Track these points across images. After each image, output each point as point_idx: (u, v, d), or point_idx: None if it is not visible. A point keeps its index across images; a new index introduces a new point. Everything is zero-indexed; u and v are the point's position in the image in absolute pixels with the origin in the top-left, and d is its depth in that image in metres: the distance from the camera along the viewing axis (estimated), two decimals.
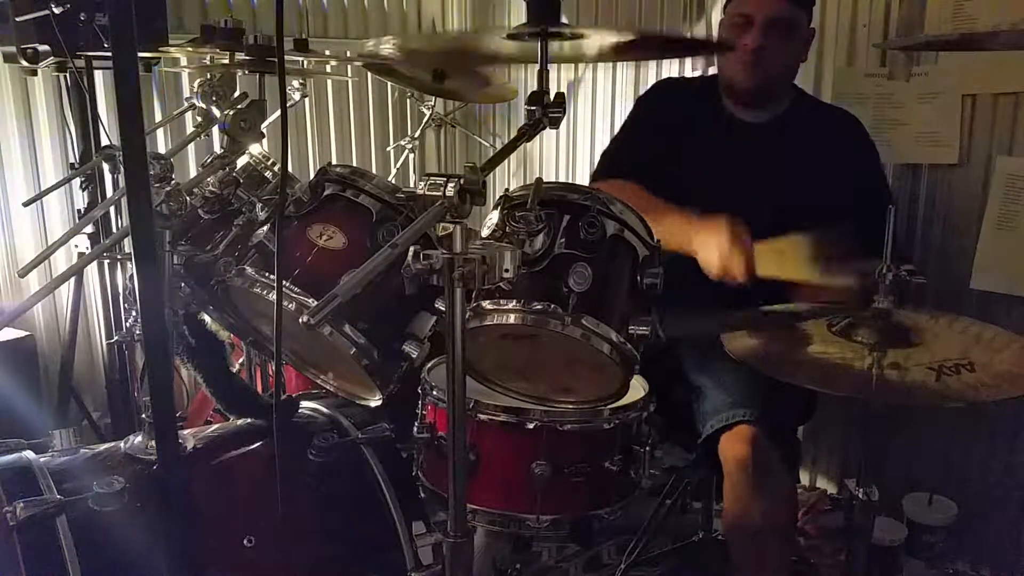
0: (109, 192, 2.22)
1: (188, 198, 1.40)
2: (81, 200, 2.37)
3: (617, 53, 1.65)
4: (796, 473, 1.93)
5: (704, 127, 2.07)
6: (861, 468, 1.54)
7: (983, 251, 2.24)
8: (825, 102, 2.35)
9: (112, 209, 2.14)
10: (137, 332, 1.52)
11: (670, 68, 2.85)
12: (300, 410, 1.59)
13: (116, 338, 2.22)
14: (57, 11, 2.04)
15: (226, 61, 1.81)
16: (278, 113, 1.11)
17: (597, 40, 1.40)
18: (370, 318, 1.34)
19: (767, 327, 1.58)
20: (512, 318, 1.27)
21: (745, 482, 1.73)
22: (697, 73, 2.70)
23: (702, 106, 2.09)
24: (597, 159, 3.06)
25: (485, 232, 1.32)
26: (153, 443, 1.36)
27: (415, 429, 1.61)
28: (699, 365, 1.92)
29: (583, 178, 3.24)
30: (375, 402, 1.52)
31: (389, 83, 3.34)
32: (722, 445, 1.75)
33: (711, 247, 1.71)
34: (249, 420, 1.56)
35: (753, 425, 1.72)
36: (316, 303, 1.01)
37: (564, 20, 1.22)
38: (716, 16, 2.61)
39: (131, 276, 1.90)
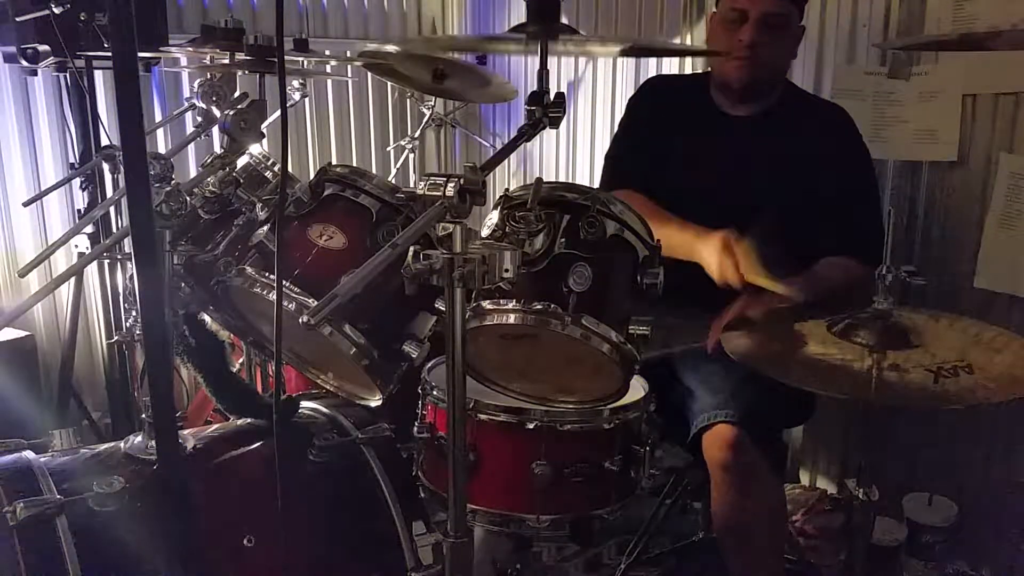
0: (109, 192, 2.22)
1: (188, 198, 1.40)
2: (81, 200, 2.37)
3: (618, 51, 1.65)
4: (783, 474, 1.92)
5: (694, 123, 2.08)
6: (861, 468, 1.54)
7: (986, 250, 2.24)
8: (815, 96, 2.35)
9: (112, 209, 2.14)
10: (137, 332, 1.52)
11: (670, 66, 2.85)
12: (300, 410, 1.59)
13: (116, 338, 2.22)
14: (57, 11, 2.04)
15: (226, 61, 1.81)
16: (278, 113, 1.11)
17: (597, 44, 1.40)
18: (370, 318, 1.34)
19: (766, 327, 1.58)
20: (512, 318, 1.27)
21: (728, 482, 1.73)
22: (698, 71, 2.71)
23: (691, 102, 2.10)
24: (600, 160, 3.09)
25: (485, 232, 1.32)
26: (153, 443, 1.36)
27: (415, 429, 1.61)
28: (690, 365, 1.92)
29: (583, 178, 3.24)
30: (375, 402, 1.52)
31: (389, 83, 3.34)
32: (704, 445, 1.75)
33: (710, 258, 1.74)
34: (249, 420, 1.56)
35: (735, 425, 1.71)
36: (316, 303, 1.01)
37: (564, 21, 1.22)
38: None
39: (131, 276, 1.90)
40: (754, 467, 1.72)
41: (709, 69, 2.13)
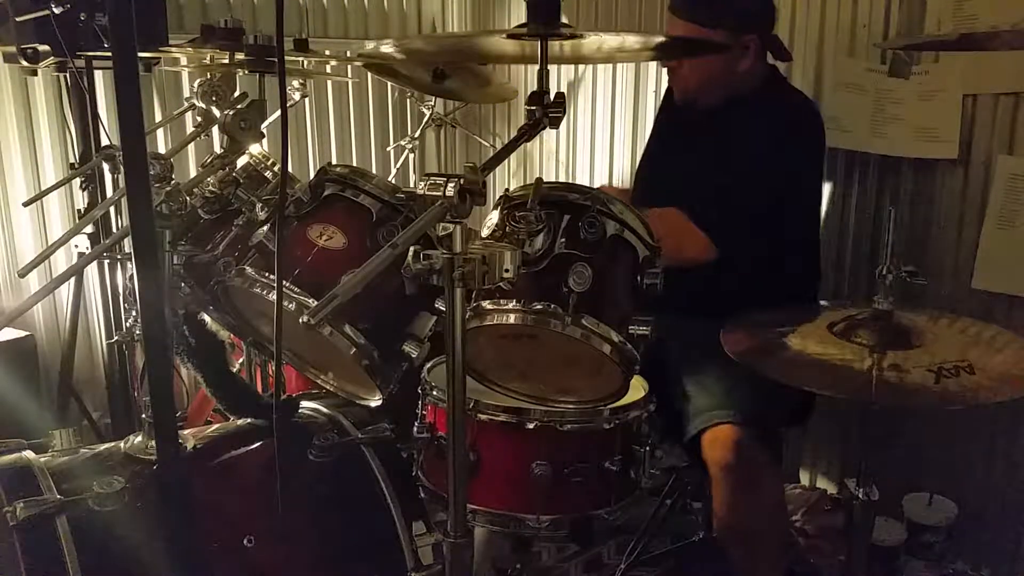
0: (109, 192, 2.22)
1: (188, 198, 1.40)
2: (81, 200, 2.37)
3: (617, 52, 1.66)
4: (781, 473, 1.93)
5: (677, 122, 2.22)
6: (861, 468, 1.54)
7: (984, 250, 2.23)
8: (792, 92, 2.23)
9: (112, 209, 2.14)
10: (137, 332, 1.52)
11: None
12: (300, 410, 1.59)
13: (116, 338, 2.21)
14: (57, 11, 2.04)
15: (226, 61, 1.81)
16: (278, 113, 1.11)
17: (596, 41, 1.40)
18: (370, 318, 1.34)
19: (766, 327, 1.58)
20: (512, 318, 1.27)
21: (728, 483, 1.72)
22: None
23: (669, 103, 2.25)
24: (600, 160, 3.10)
25: (485, 232, 1.32)
26: (153, 443, 1.36)
27: (415, 429, 1.61)
28: (688, 367, 1.92)
29: (583, 178, 3.24)
30: (375, 402, 1.52)
31: (389, 83, 3.34)
32: (704, 446, 1.75)
33: None
34: (249, 420, 1.56)
35: (735, 426, 1.71)
36: (316, 303, 1.01)
37: (564, 20, 1.22)
38: None
39: (131, 276, 1.90)
40: (755, 467, 1.72)
41: None
